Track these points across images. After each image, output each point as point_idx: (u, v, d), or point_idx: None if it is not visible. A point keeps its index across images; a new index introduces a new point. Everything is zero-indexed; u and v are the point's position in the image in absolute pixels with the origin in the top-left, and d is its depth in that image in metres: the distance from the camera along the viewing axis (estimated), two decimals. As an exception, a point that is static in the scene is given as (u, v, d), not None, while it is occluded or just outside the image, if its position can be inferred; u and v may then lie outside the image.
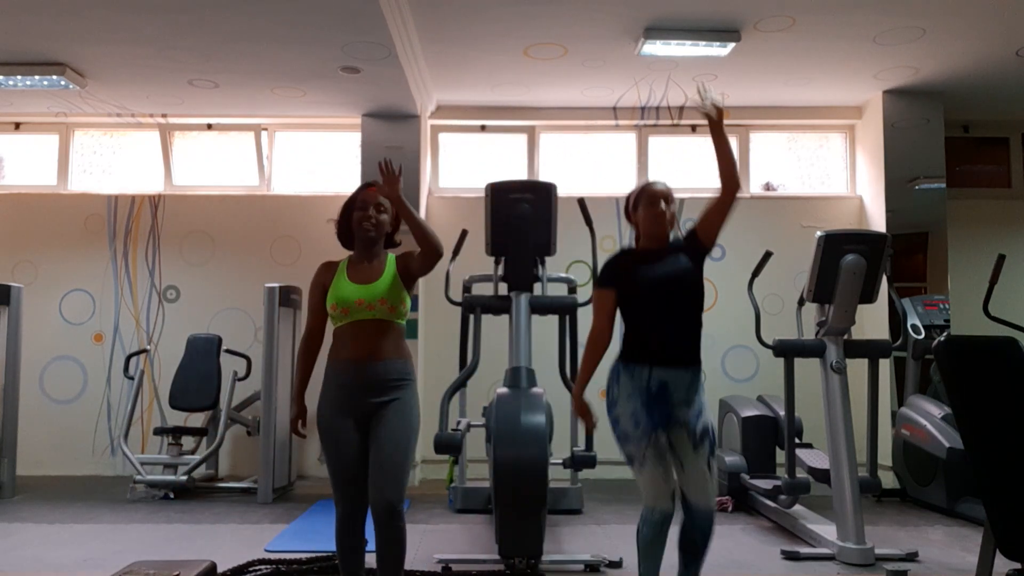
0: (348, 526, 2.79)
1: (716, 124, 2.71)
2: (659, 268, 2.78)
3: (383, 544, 2.71)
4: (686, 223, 7.03)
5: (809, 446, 4.92)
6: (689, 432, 2.73)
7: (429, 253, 2.72)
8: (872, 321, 5.94)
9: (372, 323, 2.74)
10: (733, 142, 6.66)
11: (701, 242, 2.82)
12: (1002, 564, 2.83)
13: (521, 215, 4.39)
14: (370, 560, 2.82)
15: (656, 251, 2.83)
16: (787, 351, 4.24)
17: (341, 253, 2.98)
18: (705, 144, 6.69)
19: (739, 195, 2.75)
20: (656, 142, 6.76)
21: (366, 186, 2.88)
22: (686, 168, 6.74)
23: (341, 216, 2.91)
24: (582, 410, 2.86)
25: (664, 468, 2.72)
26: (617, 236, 6.50)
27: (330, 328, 2.84)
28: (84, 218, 6.66)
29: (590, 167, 6.82)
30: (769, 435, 5.20)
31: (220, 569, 3.37)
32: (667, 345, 2.75)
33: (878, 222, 6.25)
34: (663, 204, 2.81)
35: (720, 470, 5.20)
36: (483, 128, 6.76)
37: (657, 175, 6.71)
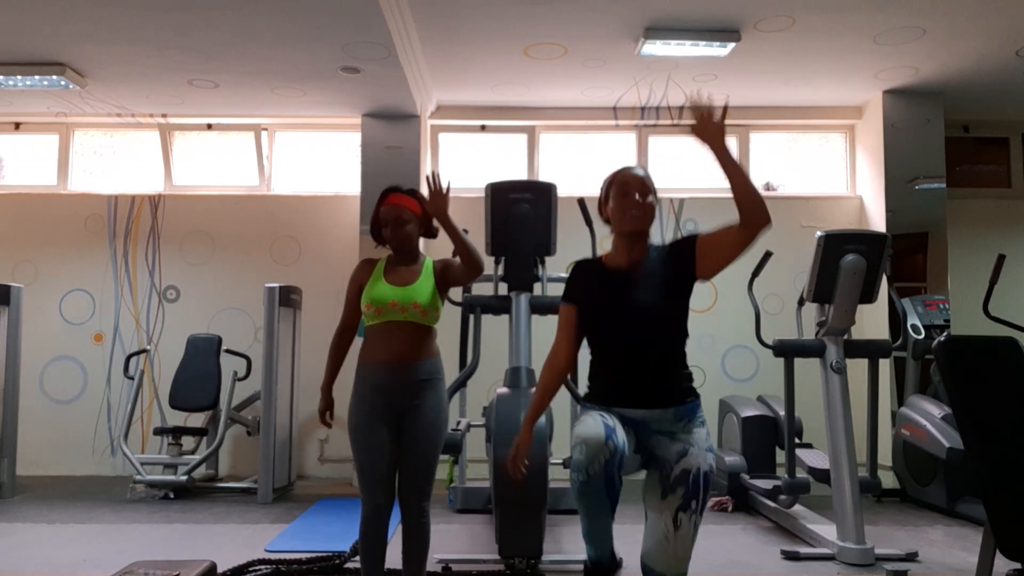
0: (374, 523, 2.82)
1: (719, 145, 2.13)
2: (630, 295, 2.26)
3: (411, 539, 2.79)
4: (686, 223, 6.96)
5: (809, 446, 4.92)
6: (662, 473, 2.20)
7: (471, 268, 2.75)
8: (872, 321, 5.94)
9: (404, 324, 2.77)
10: (732, 143, 6.76)
11: (696, 266, 2.24)
12: (1002, 564, 2.83)
13: (521, 215, 4.39)
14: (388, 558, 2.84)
15: (630, 269, 2.30)
16: (787, 351, 4.24)
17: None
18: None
19: (765, 230, 2.15)
20: (656, 142, 6.76)
21: (387, 193, 2.89)
22: (686, 168, 6.74)
23: (372, 219, 2.92)
24: (520, 448, 2.31)
25: (606, 416, 2.18)
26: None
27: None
28: (84, 218, 6.66)
29: (590, 167, 6.82)
30: (769, 435, 5.20)
31: (220, 569, 3.38)
32: (631, 390, 2.27)
33: (878, 222, 6.25)
34: (637, 195, 2.29)
35: (720, 470, 5.20)
36: (483, 128, 6.76)
37: (657, 175, 6.72)
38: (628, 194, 2.31)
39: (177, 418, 6.26)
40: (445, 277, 2.84)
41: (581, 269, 2.43)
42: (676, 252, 2.29)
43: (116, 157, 6.89)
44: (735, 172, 2.13)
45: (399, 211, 2.82)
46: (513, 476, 2.31)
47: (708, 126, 2.14)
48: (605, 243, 6.18)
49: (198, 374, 5.92)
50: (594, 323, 2.33)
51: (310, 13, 4.51)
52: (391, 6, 4.58)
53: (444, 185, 2.70)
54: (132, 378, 5.99)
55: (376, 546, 2.83)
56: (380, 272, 2.85)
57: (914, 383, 5.69)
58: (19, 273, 6.57)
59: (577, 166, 6.81)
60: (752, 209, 2.12)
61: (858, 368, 4.61)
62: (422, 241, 2.95)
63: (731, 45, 5.17)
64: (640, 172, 2.36)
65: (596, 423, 2.14)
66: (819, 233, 4.08)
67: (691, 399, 2.29)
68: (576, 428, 2.22)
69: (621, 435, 2.14)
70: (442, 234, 2.81)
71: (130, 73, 5.55)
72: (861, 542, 3.87)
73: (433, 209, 2.71)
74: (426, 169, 6.55)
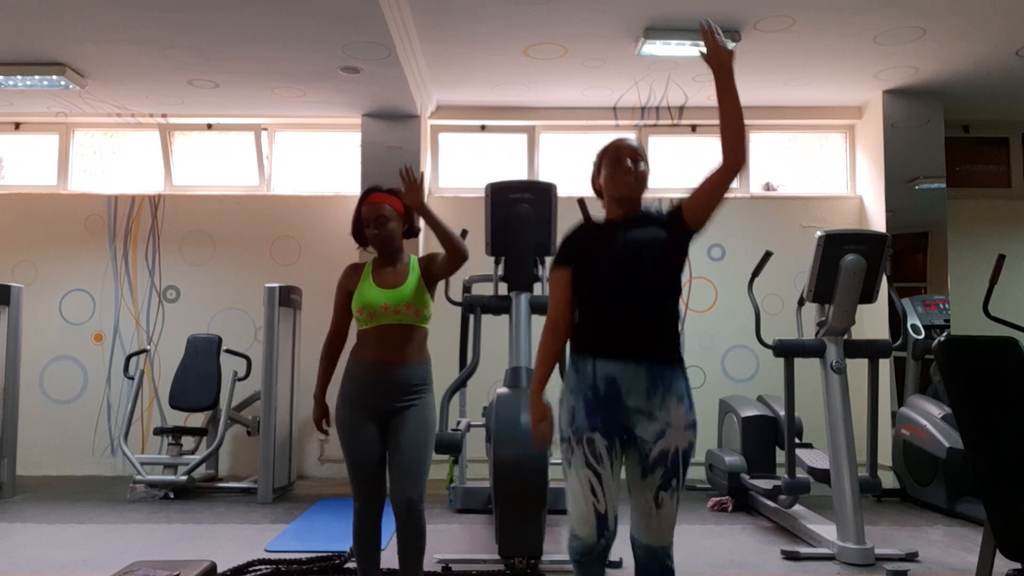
0: (365, 521, 2.82)
1: (726, 71, 2.19)
2: (620, 239, 2.27)
3: (404, 540, 2.76)
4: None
5: (809, 446, 4.92)
6: (641, 454, 2.18)
7: (455, 258, 2.76)
8: (872, 321, 5.94)
9: (398, 327, 2.78)
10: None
11: (686, 222, 2.28)
12: (1002, 564, 2.83)
13: (521, 215, 4.39)
14: (387, 559, 2.83)
15: (621, 221, 2.33)
16: (787, 351, 4.24)
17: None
18: (706, 144, 6.75)
19: (742, 170, 2.24)
20: (656, 142, 6.76)
21: (367, 194, 2.89)
22: (686, 168, 6.74)
23: (353, 221, 2.93)
24: (536, 415, 2.31)
25: (593, 479, 2.16)
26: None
27: (353, 327, 2.89)
28: (84, 218, 6.66)
29: (590, 167, 6.81)
30: (769, 435, 5.20)
31: (220, 569, 3.37)
32: (617, 331, 2.21)
33: (878, 222, 6.25)
34: (629, 161, 2.33)
35: (720, 470, 5.20)
36: (483, 128, 6.76)
37: (657, 175, 6.73)
38: (620, 160, 2.36)
39: (177, 418, 6.26)
40: (430, 270, 2.85)
41: (574, 230, 2.43)
42: (670, 214, 2.34)
43: (116, 157, 6.89)
44: (731, 97, 2.19)
45: (380, 209, 2.83)
46: (542, 442, 2.33)
47: (719, 51, 2.20)
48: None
49: (198, 374, 5.92)
50: (583, 269, 2.30)
51: (310, 13, 4.51)
52: (391, 6, 4.58)
53: (417, 177, 2.72)
54: (132, 378, 5.99)
55: (368, 544, 2.83)
56: (368, 275, 2.85)
57: (914, 383, 5.70)
58: (19, 273, 6.57)
59: (577, 166, 6.81)
60: (735, 140, 2.19)
61: (858, 368, 4.61)
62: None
63: (731, 45, 5.15)
64: (632, 141, 2.41)
65: (588, 512, 2.18)
66: (819, 233, 4.08)
67: (670, 362, 2.23)
68: (568, 506, 2.24)
69: (613, 520, 2.21)
70: (426, 234, 2.81)
71: (130, 73, 5.55)
72: (861, 542, 3.87)
73: (410, 201, 2.73)
74: (426, 169, 6.55)
